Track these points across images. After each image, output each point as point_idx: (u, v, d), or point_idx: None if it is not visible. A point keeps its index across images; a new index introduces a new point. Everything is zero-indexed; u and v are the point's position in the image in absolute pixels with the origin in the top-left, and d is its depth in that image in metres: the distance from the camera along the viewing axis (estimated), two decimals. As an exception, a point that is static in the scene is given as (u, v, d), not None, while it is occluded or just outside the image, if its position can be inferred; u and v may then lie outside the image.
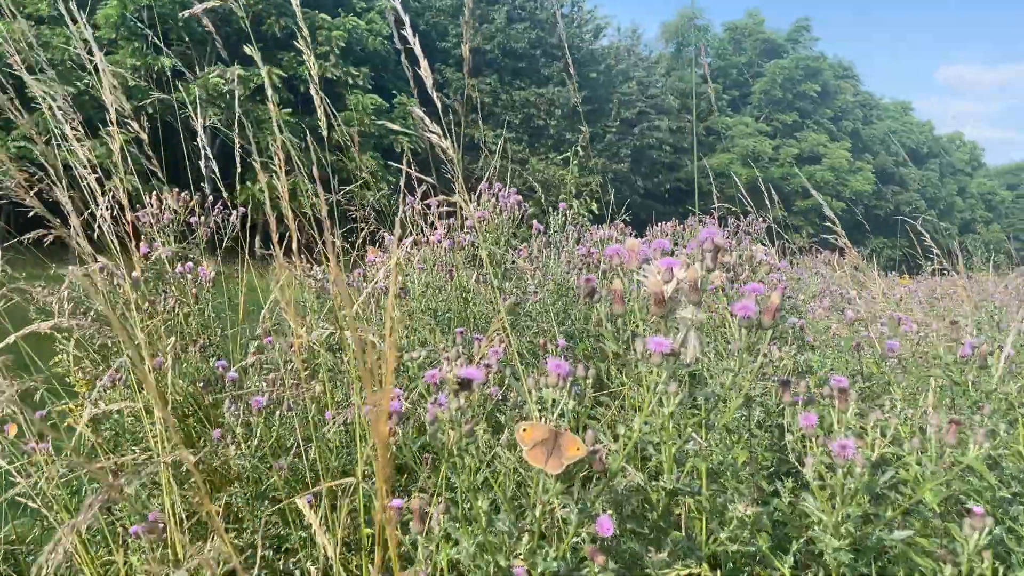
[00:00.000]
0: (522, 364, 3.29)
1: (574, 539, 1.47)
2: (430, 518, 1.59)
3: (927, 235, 5.36)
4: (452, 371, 1.41)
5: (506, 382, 2.39)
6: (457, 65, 35.00)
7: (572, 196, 5.18)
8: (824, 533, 1.58)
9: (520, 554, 1.44)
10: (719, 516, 1.74)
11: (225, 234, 4.32)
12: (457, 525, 1.63)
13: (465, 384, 1.40)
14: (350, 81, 30.60)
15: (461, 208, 3.01)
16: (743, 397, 1.62)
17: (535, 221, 4.08)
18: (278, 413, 2.58)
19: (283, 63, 27.31)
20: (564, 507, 1.45)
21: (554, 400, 1.46)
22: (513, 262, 3.46)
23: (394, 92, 31.53)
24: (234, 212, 4.32)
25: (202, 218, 4.06)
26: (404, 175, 4.35)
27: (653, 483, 1.66)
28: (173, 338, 2.25)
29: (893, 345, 2.21)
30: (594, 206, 6.12)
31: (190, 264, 3.85)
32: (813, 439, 1.54)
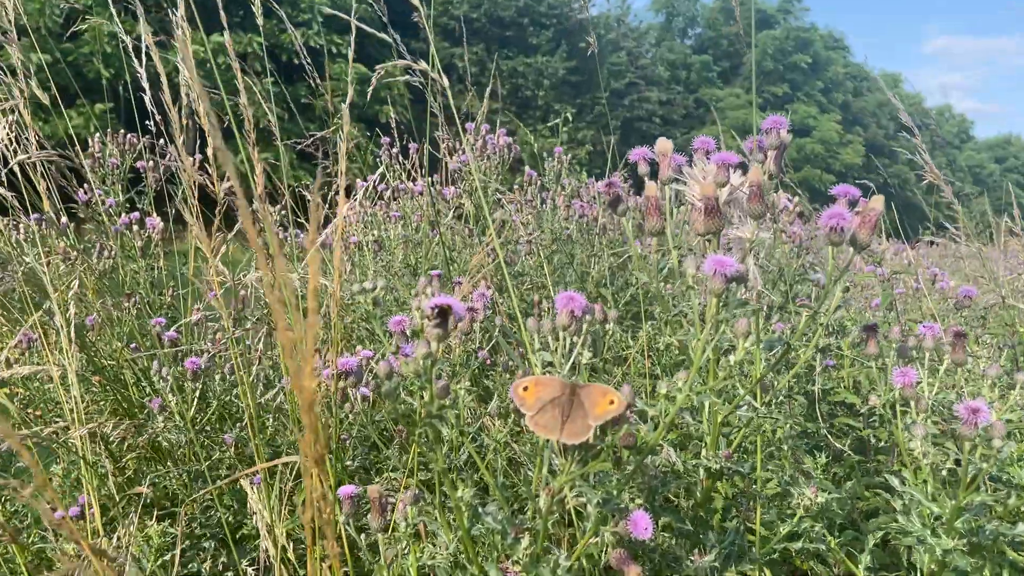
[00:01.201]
0: (512, 324, 2.87)
1: (592, 538, 1.06)
2: (395, 510, 1.17)
3: (948, 188, 4.96)
4: (422, 303, 0.98)
5: (494, 338, 1.97)
6: (443, 34, 34.17)
7: (560, 168, 4.78)
8: (923, 528, 1.18)
9: (518, 560, 1.03)
10: (776, 504, 1.33)
11: (178, 185, 3.85)
12: (434, 514, 1.22)
13: (442, 315, 0.97)
14: (333, 50, 29.79)
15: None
16: (814, 348, 1.20)
17: (527, 167, 3.64)
18: (219, 376, 2.15)
19: (264, 31, 26.50)
20: (579, 495, 1.03)
21: (566, 345, 1.03)
22: (501, 202, 3.02)
23: (379, 60, 30.67)
24: (190, 159, 3.84)
25: (151, 163, 3.59)
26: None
27: (693, 462, 1.24)
28: (75, 280, 1.81)
29: (970, 291, 1.80)
30: (584, 176, 5.81)
31: (136, 214, 3.40)
32: (914, 402, 1.13)
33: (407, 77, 1.35)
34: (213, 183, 1.69)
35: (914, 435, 1.15)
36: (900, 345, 1.26)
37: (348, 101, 1.41)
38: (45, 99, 1.86)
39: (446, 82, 1.34)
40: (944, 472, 1.19)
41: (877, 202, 1.05)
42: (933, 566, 1.23)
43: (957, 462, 1.14)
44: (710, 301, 0.97)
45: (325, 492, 0.79)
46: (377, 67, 1.37)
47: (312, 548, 0.88)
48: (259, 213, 1.61)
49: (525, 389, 1.01)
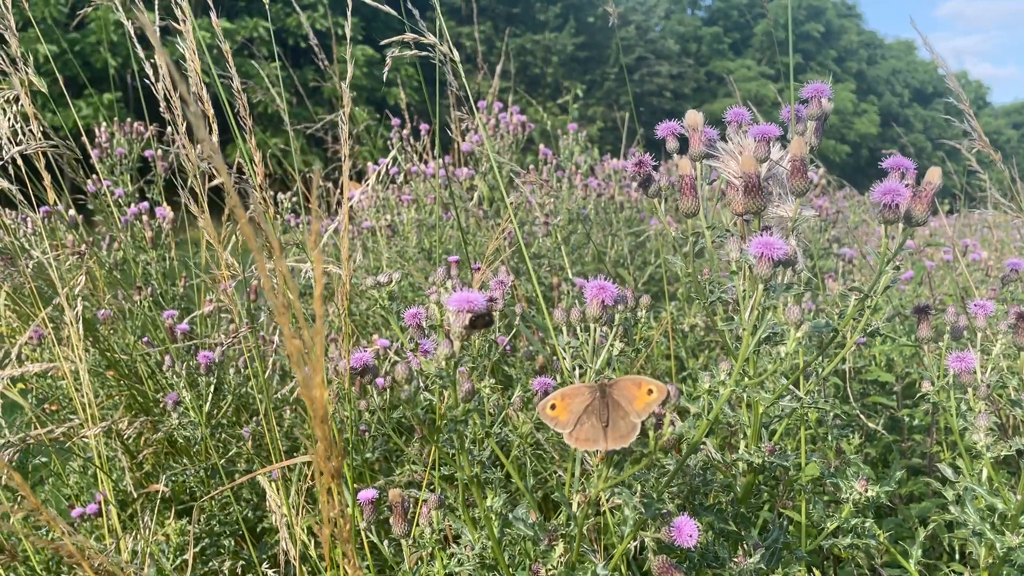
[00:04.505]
0: (531, 308, 2.80)
1: (631, 542, 0.99)
2: (418, 514, 1.11)
3: (972, 159, 4.83)
4: (442, 297, 0.91)
5: (514, 326, 1.90)
6: (450, 13, 33.86)
7: (574, 143, 4.69)
8: (982, 521, 1.10)
9: (552, 568, 0.96)
10: (817, 491, 1.26)
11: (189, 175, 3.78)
12: (458, 511, 1.16)
13: (479, 320, 0.90)
14: (340, 32, 29.54)
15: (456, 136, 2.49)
16: (862, 331, 1.12)
17: (542, 146, 3.55)
18: (233, 370, 2.10)
19: (271, 15, 26.34)
20: (614, 498, 0.96)
21: (596, 338, 0.96)
22: (515, 183, 2.94)
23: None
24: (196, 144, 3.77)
25: (159, 152, 3.53)
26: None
27: (733, 456, 1.17)
28: (82, 276, 1.75)
29: (1017, 264, 1.71)
30: (596, 152, 5.74)
31: (145, 204, 3.34)
32: (972, 389, 1.05)
33: (415, 52, 1.27)
34: (216, 171, 1.62)
35: (977, 426, 1.07)
36: (953, 326, 1.18)
37: (349, 73, 1.33)
38: (43, 86, 1.79)
39: (456, 55, 1.26)
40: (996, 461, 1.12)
41: (934, 175, 0.96)
42: (991, 560, 1.16)
43: (1019, 452, 1.07)
44: (755, 287, 0.89)
45: (343, 509, 0.72)
46: (382, 42, 1.29)
47: (330, 565, 0.82)
48: (257, 203, 1.54)
49: (553, 407, 0.94)
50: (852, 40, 49.12)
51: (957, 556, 1.97)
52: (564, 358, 1.08)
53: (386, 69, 1.33)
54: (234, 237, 3.14)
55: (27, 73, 1.95)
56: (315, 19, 28.75)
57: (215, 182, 1.47)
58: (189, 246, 3.67)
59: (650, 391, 0.91)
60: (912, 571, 1.22)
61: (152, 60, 2.24)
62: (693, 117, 1.19)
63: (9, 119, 2.14)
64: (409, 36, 1.19)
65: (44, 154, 2.16)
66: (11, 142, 1.94)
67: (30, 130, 2.31)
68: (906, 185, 0.98)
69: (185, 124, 1.62)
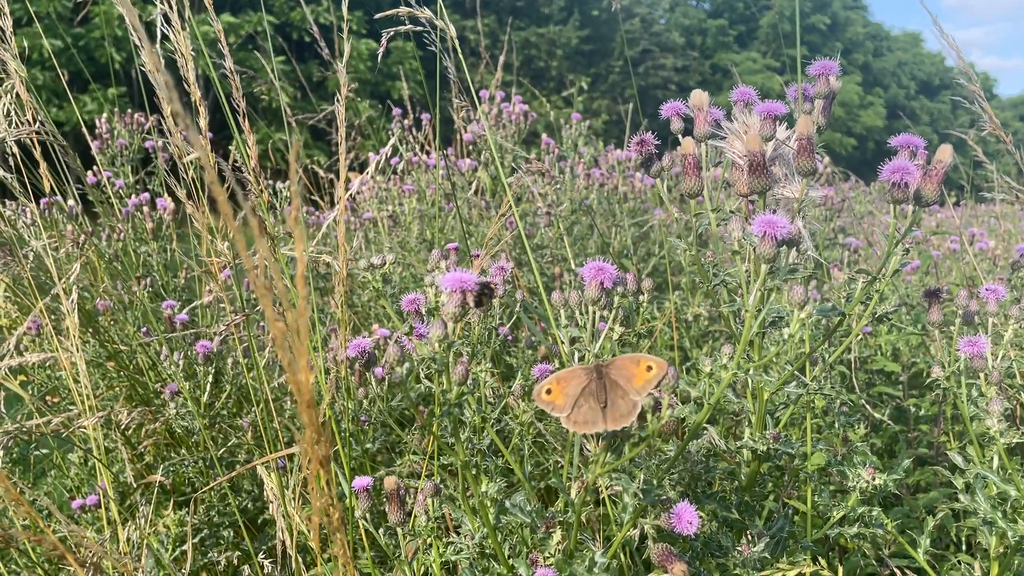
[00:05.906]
0: (533, 298, 2.78)
1: (629, 531, 0.96)
2: (415, 502, 1.08)
3: (979, 150, 4.78)
4: (436, 279, 0.88)
5: (514, 314, 1.88)
6: (454, 6, 33.75)
7: (578, 136, 4.65)
8: (992, 510, 1.07)
9: (550, 556, 0.94)
10: (822, 481, 1.23)
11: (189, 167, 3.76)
12: (457, 501, 1.14)
13: (477, 301, 0.87)
14: (343, 26, 29.41)
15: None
16: (869, 316, 1.09)
17: (544, 135, 3.51)
18: (231, 360, 2.07)
19: (274, 9, 26.35)
20: (614, 484, 0.94)
21: (595, 321, 0.93)
22: (516, 172, 2.91)
23: (391, 39, 30.41)
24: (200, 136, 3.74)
25: (159, 142, 3.51)
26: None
27: (737, 444, 1.15)
28: (76, 265, 1.73)
29: (1026, 250, 1.67)
30: (600, 145, 5.73)
31: (146, 195, 3.31)
32: (984, 375, 1.02)
33: (410, 27, 1.24)
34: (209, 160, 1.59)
35: (990, 412, 1.04)
36: (965, 311, 1.15)
37: (347, 52, 1.31)
38: (22, 70, 1.77)
39: (453, 31, 1.23)
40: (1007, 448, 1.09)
41: (945, 153, 0.93)
42: (1002, 549, 1.13)
43: (1031, 438, 1.04)
44: (759, 267, 0.86)
45: (332, 499, 0.70)
46: (376, 15, 1.26)
47: (320, 555, 0.80)
48: (251, 188, 1.51)
49: (549, 392, 0.91)
50: (858, 32, 48.87)
51: (964, 547, 1.95)
52: (562, 342, 1.05)
53: (381, 49, 1.30)
54: (240, 225, 3.11)
55: (12, 59, 1.92)
56: (319, 13, 28.70)
57: (192, 156, 1.44)
58: (191, 238, 3.65)
59: (649, 367, 0.88)
60: (921, 561, 1.19)
61: (165, 48, 2.21)
62: (698, 97, 1.16)
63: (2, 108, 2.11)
64: (403, 10, 1.17)
65: (40, 143, 2.14)
66: (8, 132, 1.92)
67: (27, 120, 2.29)
68: (916, 165, 0.95)
69: (171, 109, 1.59)
